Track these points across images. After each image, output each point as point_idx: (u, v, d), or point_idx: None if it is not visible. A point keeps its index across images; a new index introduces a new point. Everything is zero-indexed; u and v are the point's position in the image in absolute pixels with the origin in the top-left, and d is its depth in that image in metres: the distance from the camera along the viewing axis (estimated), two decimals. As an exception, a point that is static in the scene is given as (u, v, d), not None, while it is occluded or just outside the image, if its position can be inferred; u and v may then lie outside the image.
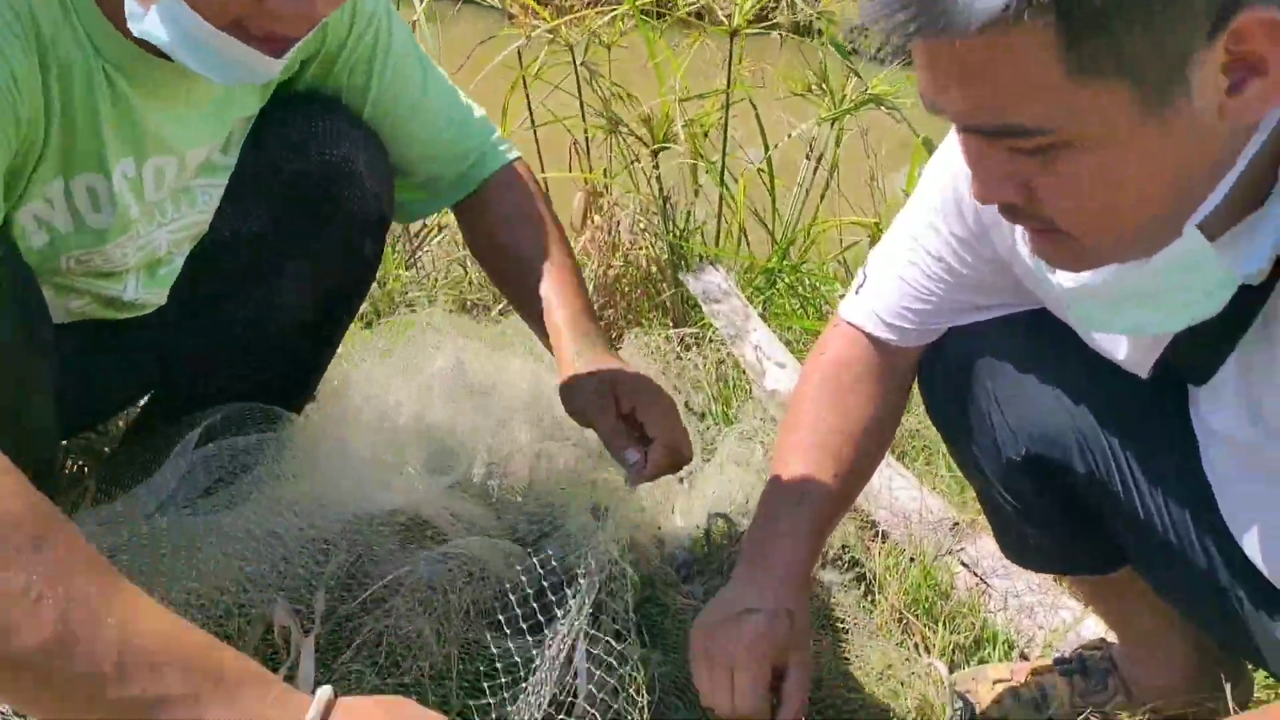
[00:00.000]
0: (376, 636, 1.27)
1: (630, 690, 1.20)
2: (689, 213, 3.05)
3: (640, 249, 2.92)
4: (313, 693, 0.82)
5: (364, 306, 2.54)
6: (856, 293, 1.29)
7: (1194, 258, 0.85)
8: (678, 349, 2.47)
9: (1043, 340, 1.19)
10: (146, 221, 1.25)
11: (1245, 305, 0.95)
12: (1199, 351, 1.04)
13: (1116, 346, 1.10)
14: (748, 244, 3.07)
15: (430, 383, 1.72)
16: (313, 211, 1.42)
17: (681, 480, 1.81)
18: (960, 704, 1.43)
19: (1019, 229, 1.10)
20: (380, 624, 1.27)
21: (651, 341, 2.47)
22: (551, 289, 1.43)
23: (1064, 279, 0.94)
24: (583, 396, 1.37)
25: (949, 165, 1.17)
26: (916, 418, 2.20)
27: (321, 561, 1.33)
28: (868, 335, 1.27)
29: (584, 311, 1.44)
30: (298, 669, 1.21)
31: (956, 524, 1.77)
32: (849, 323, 1.29)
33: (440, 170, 1.48)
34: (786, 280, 2.84)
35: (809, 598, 1.23)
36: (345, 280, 1.56)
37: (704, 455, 1.96)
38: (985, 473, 1.27)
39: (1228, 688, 1.25)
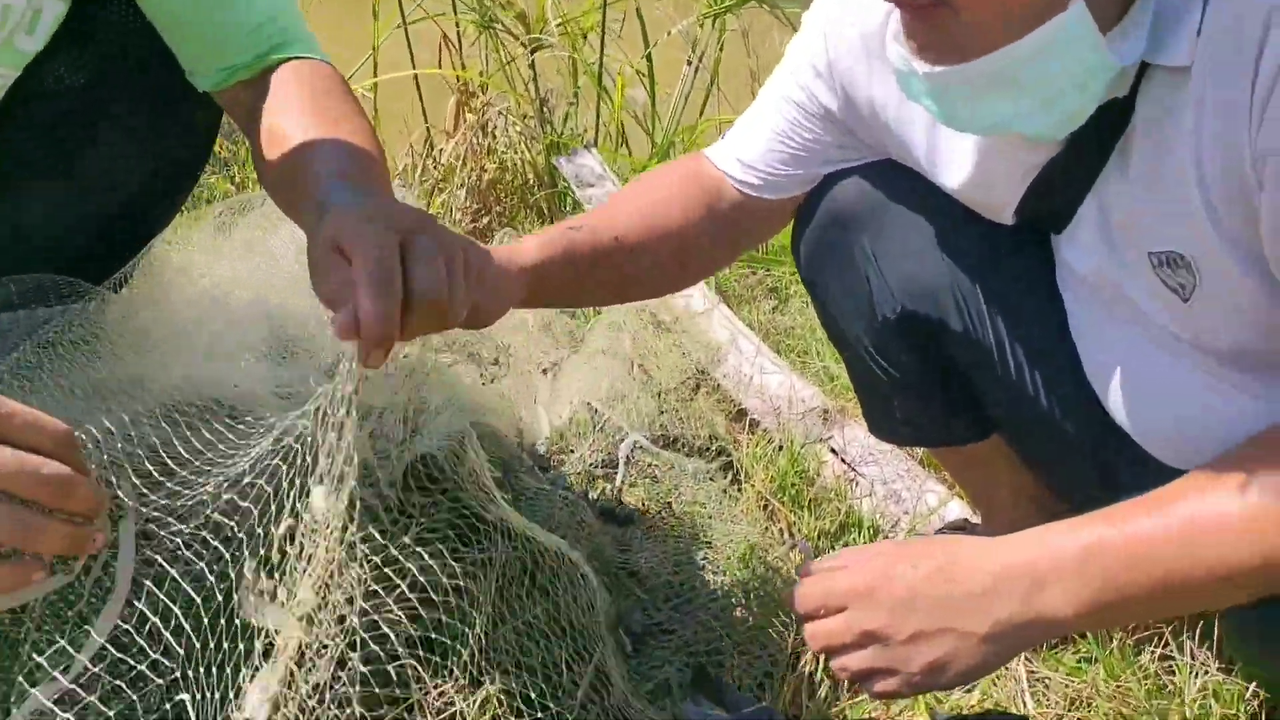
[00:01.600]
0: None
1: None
2: (567, 114, 2.95)
3: (516, 152, 2.81)
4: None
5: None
6: (724, 136, 1.25)
7: (1072, 34, 0.82)
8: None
9: (915, 195, 1.16)
10: None
11: (1099, 145, 0.94)
12: (1057, 196, 1.02)
13: (979, 189, 1.08)
14: (627, 148, 2.99)
15: (272, 263, 1.59)
16: (141, 66, 1.26)
17: (546, 371, 1.74)
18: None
19: (879, 69, 1.06)
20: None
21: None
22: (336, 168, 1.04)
23: (926, 69, 0.89)
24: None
25: (814, 25, 1.16)
26: (790, 316, 2.16)
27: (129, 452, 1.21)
28: (724, 174, 1.22)
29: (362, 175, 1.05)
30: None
31: (827, 412, 1.74)
32: (704, 155, 1.25)
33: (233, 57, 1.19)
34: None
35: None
36: (175, 152, 1.41)
37: (572, 348, 1.89)
38: (858, 337, 1.23)
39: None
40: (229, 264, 1.55)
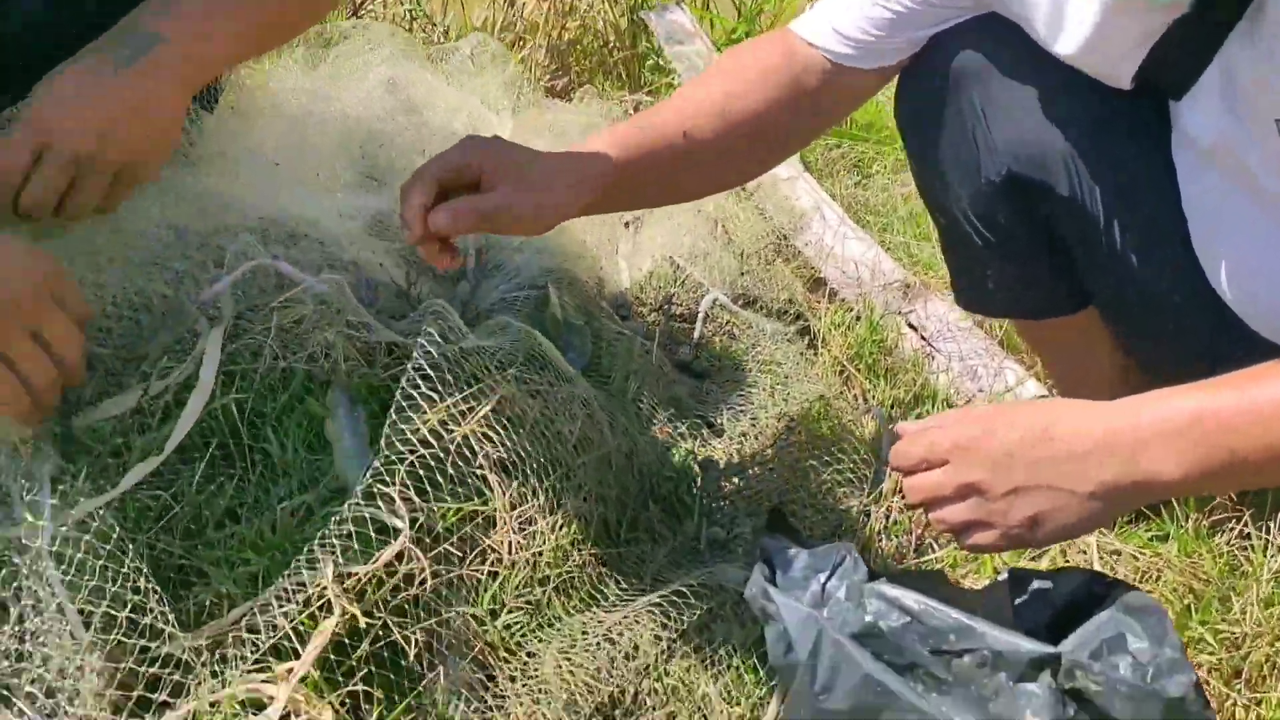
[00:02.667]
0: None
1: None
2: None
3: (598, 10, 2.74)
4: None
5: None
6: (812, 5, 1.21)
7: None
8: (630, 111, 2.35)
9: (1028, 55, 1.11)
10: None
11: (1230, 4, 0.91)
12: (1179, 59, 0.98)
13: (1098, 53, 1.04)
14: (714, 10, 2.90)
15: (362, 97, 1.58)
16: None
17: (628, 225, 1.72)
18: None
19: None
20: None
21: (606, 106, 2.34)
22: None
23: None
24: None
25: None
26: (872, 193, 2.12)
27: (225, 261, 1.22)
28: (816, 47, 1.17)
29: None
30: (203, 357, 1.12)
31: (908, 286, 1.72)
32: (793, 32, 1.19)
33: None
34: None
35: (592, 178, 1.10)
36: None
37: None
38: (959, 198, 1.20)
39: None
40: (317, 87, 1.54)
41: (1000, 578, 1.06)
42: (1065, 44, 1.05)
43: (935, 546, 1.30)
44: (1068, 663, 0.80)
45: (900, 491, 1.31)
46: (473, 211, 1.02)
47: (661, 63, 2.36)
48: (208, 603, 0.98)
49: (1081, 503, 0.87)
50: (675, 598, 1.10)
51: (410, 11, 2.78)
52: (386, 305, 1.31)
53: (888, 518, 1.30)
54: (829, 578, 0.93)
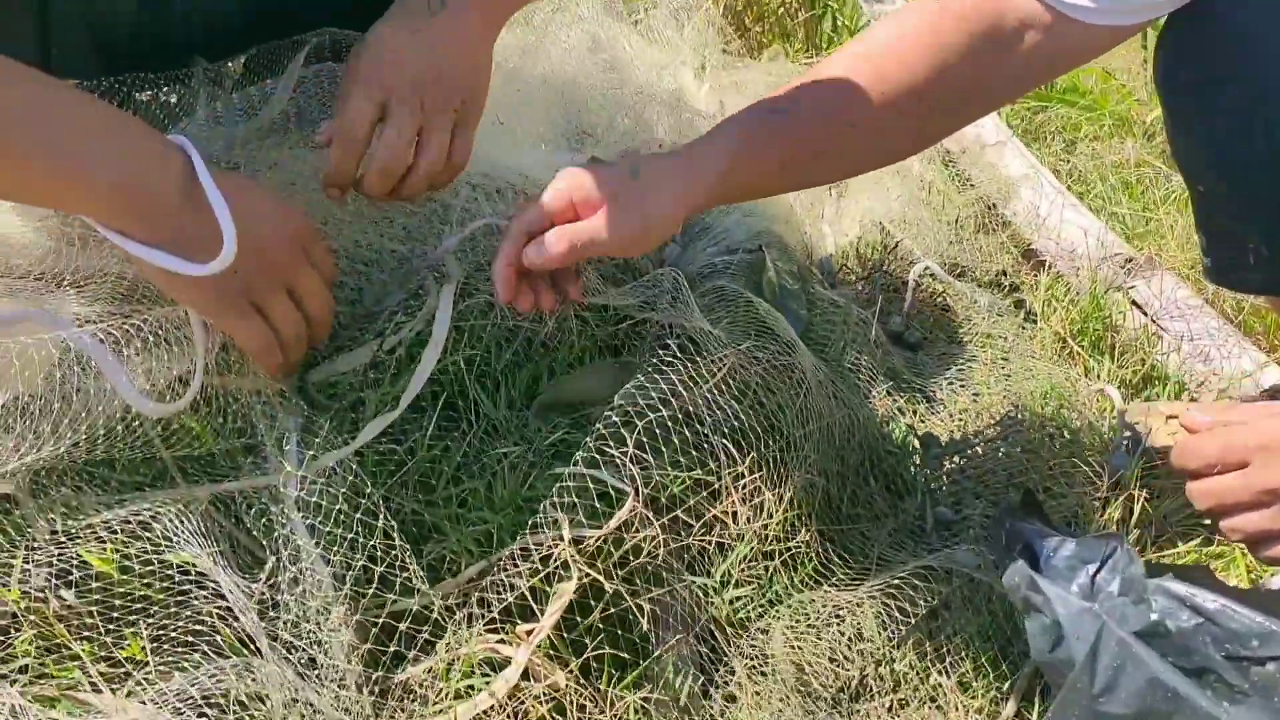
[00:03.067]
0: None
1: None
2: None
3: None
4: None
5: None
6: None
7: None
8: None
9: None
10: None
11: None
12: None
13: None
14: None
15: (568, 55, 1.56)
16: None
17: (831, 190, 1.66)
18: (1129, 433, 1.30)
19: None
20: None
21: (790, 67, 2.27)
22: None
23: None
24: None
25: None
26: (1080, 159, 2.00)
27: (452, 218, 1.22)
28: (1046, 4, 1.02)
29: None
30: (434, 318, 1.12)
31: (1129, 260, 1.61)
32: None
33: None
34: None
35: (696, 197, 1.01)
36: None
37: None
38: (1231, 161, 1.09)
39: None
40: (526, 43, 1.52)
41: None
42: None
43: (1179, 541, 1.21)
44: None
45: (1141, 482, 1.23)
46: (564, 239, 0.95)
47: (842, 21, 2.26)
48: (446, 558, 0.98)
49: None
50: (903, 583, 1.05)
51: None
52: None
53: (1127, 508, 1.21)
54: (1098, 569, 0.87)
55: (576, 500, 0.98)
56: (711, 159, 1.01)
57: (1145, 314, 1.56)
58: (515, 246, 0.97)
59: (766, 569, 1.05)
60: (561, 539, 0.94)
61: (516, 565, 0.95)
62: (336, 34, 1.22)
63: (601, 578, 0.94)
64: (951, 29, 1.03)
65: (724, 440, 1.06)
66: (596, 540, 0.96)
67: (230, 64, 1.27)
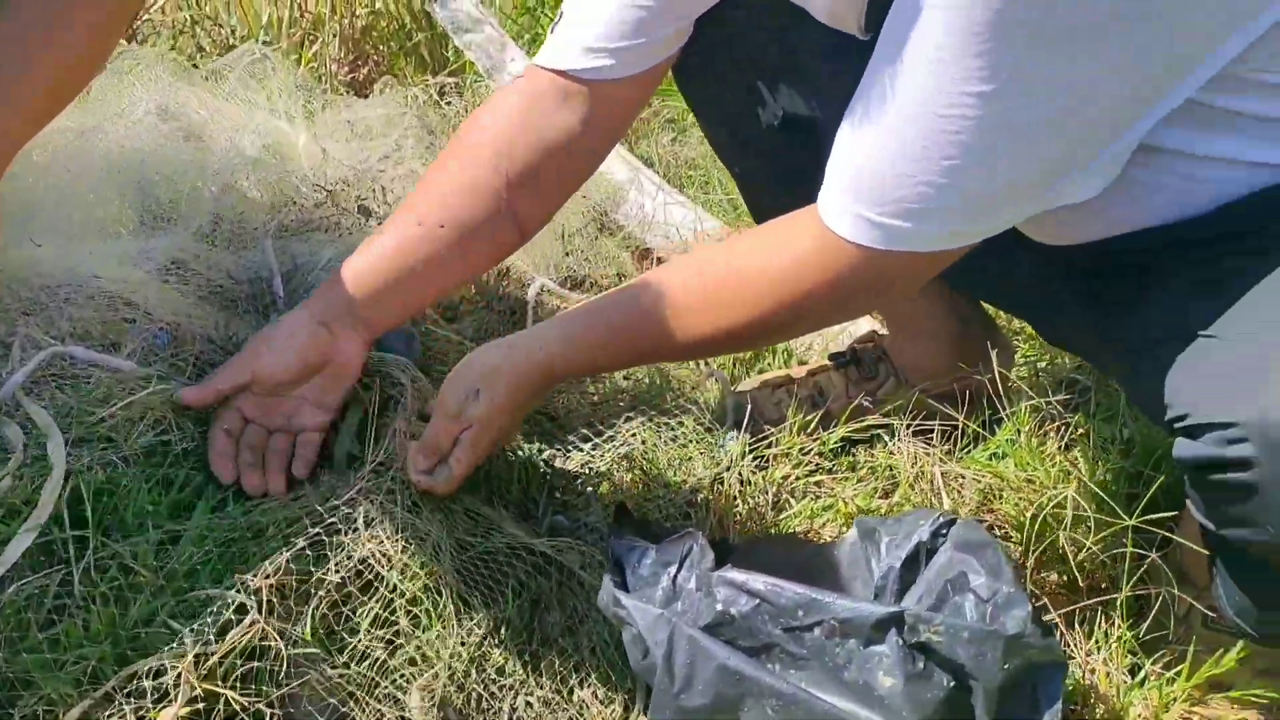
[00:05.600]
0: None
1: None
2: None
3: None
4: None
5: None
6: (552, 32, 1.16)
7: None
8: (434, 96, 2.27)
9: (787, 14, 1.12)
10: None
11: None
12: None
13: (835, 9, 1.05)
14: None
15: (134, 130, 1.48)
16: None
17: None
18: (744, 411, 1.40)
19: None
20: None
21: (408, 94, 2.27)
22: None
23: None
24: None
25: None
26: (690, 148, 2.12)
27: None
28: (568, 75, 1.12)
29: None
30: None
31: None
32: (542, 67, 1.14)
33: None
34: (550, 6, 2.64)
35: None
36: None
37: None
38: (746, 153, 1.22)
39: (994, 354, 1.25)
40: (83, 125, 1.43)
41: (850, 531, 1.08)
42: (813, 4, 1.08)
43: (792, 502, 1.32)
44: (910, 618, 0.82)
45: (747, 454, 1.33)
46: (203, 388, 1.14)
47: (460, 46, 2.29)
48: (39, 713, 0.92)
49: None
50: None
51: (191, 16, 2.63)
52: (194, 350, 1.25)
53: (741, 480, 1.31)
54: (679, 570, 0.93)
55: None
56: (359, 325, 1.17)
57: (752, 290, 1.67)
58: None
59: (400, 623, 1.05)
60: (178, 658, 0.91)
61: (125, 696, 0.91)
62: None
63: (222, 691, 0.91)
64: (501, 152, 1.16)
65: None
66: (214, 653, 0.94)
67: None
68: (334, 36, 2.62)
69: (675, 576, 0.93)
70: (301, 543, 1.03)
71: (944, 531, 0.95)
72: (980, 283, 1.26)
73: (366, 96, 2.34)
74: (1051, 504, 1.09)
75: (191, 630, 0.96)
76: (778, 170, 1.23)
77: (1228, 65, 0.84)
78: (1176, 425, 0.86)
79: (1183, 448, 0.86)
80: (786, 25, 1.14)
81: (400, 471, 1.12)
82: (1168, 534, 1.04)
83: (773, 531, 1.26)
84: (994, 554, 0.89)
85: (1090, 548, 1.07)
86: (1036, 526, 1.10)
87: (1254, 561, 0.92)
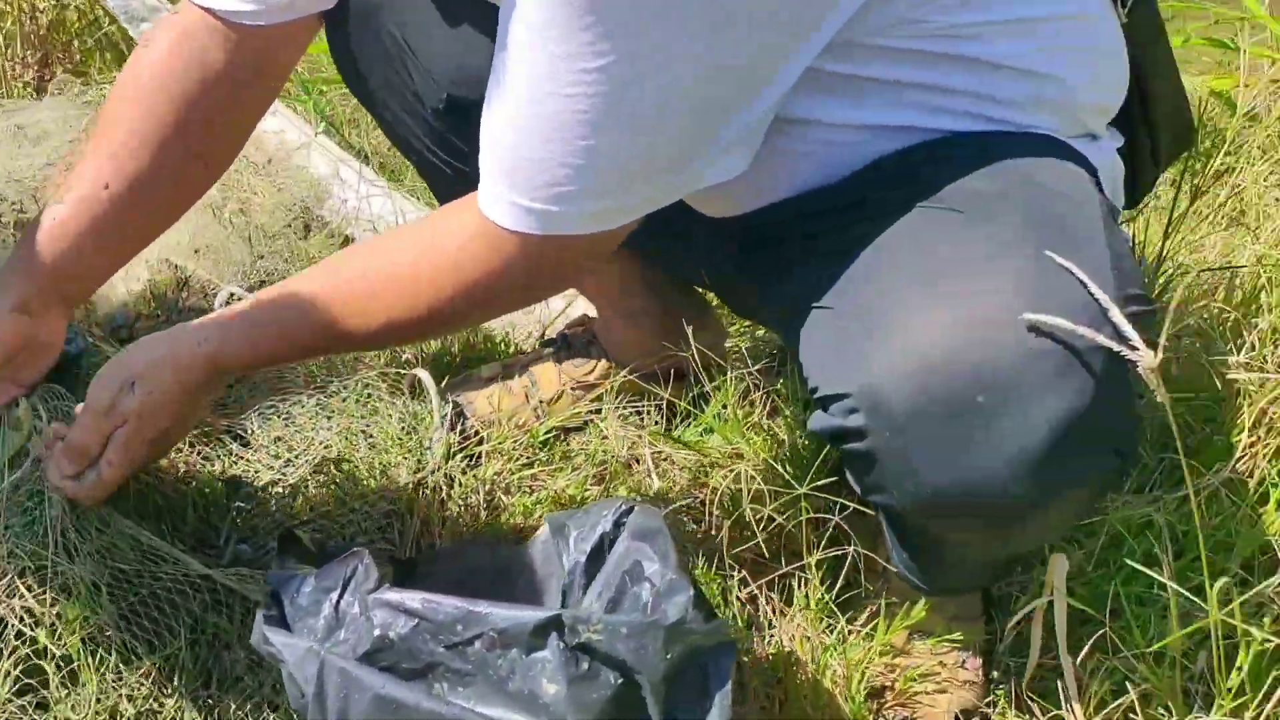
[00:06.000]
0: None
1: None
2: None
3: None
4: None
5: None
6: None
7: None
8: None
9: None
10: None
11: None
12: None
13: None
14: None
15: None
16: None
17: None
18: (449, 408, 1.34)
19: None
20: None
21: (94, 93, 2.08)
22: None
23: None
24: None
25: None
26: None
27: None
28: (216, 14, 1.05)
29: None
30: None
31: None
32: (191, 3, 1.05)
33: None
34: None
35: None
36: None
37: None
38: (415, 135, 1.16)
39: (690, 330, 1.24)
40: None
41: (542, 528, 1.04)
42: None
43: (505, 499, 1.27)
44: (569, 620, 0.78)
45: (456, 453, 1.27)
46: None
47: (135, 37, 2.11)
48: None
49: None
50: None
51: None
52: None
53: (450, 482, 1.25)
54: (340, 595, 0.86)
55: None
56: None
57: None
58: None
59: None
60: None
61: None
62: None
63: None
64: (162, 90, 1.06)
65: None
66: None
67: None
68: (14, 38, 2.38)
69: (338, 603, 0.86)
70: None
71: (624, 521, 0.92)
72: (668, 260, 1.25)
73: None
74: (728, 479, 1.09)
75: None
76: (448, 153, 1.17)
77: (841, 33, 0.84)
78: (813, 396, 0.86)
79: (815, 420, 0.86)
80: None
81: (48, 487, 1.00)
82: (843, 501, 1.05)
83: (480, 534, 1.21)
84: (664, 541, 0.87)
85: (772, 516, 1.07)
86: (718, 500, 1.10)
87: (899, 522, 0.94)
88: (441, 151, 1.17)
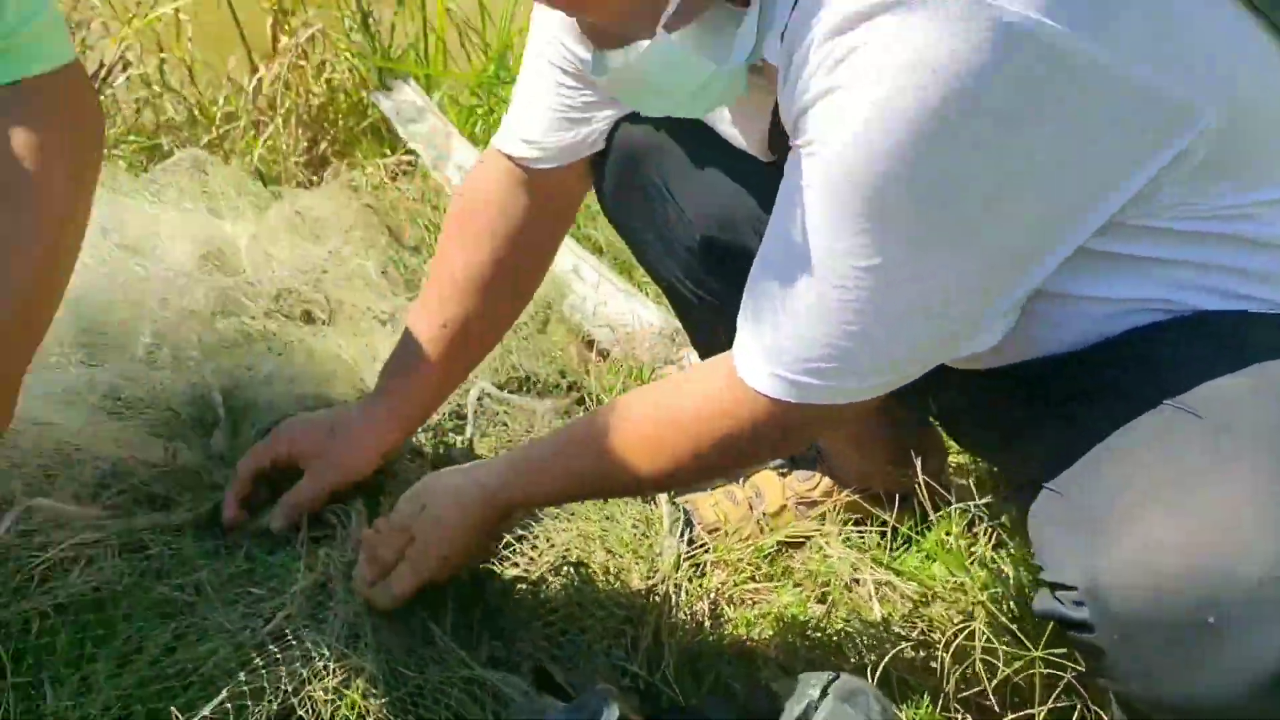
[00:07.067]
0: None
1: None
2: (393, 25, 2.80)
3: (341, 72, 2.67)
4: None
5: None
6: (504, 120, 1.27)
7: (670, 56, 0.88)
8: (384, 177, 2.30)
9: (695, 132, 1.17)
10: None
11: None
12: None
13: (737, 134, 1.11)
14: (467, 58, 2.85)
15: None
16: None
17: (385, 323, 1.69)
18: (679, 515, 1.42)
19: None
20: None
21: (357, 177, 2.30)
22: None
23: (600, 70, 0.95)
24: None
25: None
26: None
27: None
28: (515, 160, 1.22)
29: None
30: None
31: (676, 332, 1.74)
32: (497, 150, 1.24)
33: None
34: (505, 94, 2.66)
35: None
36: None
37: (409, 294, 1.85)
38: (670, 269, 1.26)
39: (918, 462, 1.27)
40: None
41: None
42: (718, 122, 1.13)
43: (729, 610, 1.33)
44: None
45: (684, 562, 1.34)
46: (293, 508, 1.25)
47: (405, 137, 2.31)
48: None
49: None
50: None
51: (142, 100, 2.64)
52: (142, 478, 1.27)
53: (677, 591, 1.32)
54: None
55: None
56: (388, 407, 1.30)
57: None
58: (242, 490, 1.27)
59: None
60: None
61: None
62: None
63: None
64: (492, 223, 1.28)
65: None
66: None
67: None
68: (290, 115, 2.64)
69: (580, 740, 0.94)
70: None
71: (829, 689, 0.97)
72: (902, 389, 1.28)
73: (321, 178, 2.37)
74: (961, 636, 1.10)
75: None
76: (696, 284, 1.25)
77: (1112, 217, 0.86)
78: (1040, 577, 0.88)
79: (1041, 601, 0.87)
80: (694, 140, 1.18)
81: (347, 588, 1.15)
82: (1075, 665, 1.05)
83: (709, 656, 1.26)
84: (866, 699, 0.92)
85: (1004, 670, 1.08)
86: (952, 651, 1.12)
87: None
88: (690, 283, 1.26)
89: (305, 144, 2.60)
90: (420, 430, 1.49)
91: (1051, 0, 0.73)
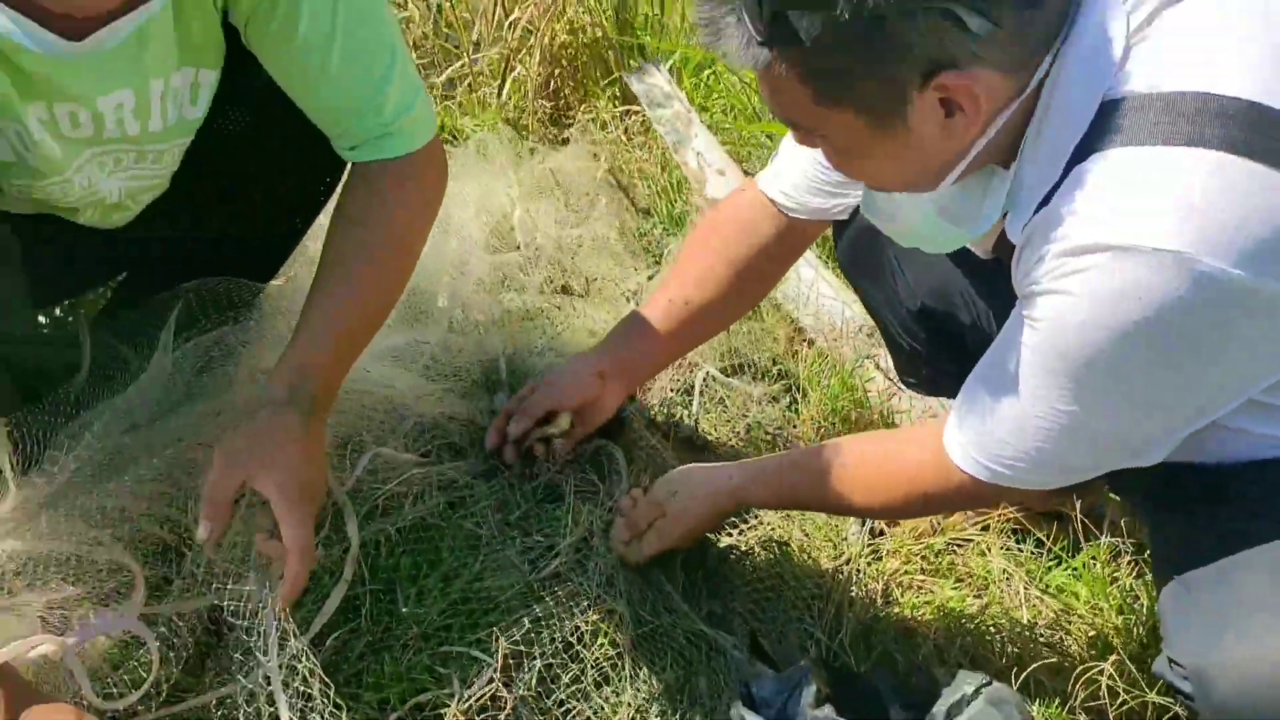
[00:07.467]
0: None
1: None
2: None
3: (584, 16, 2.89)
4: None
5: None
6: (773, 159, 1.52)
7: (927, 223, 1.17)
8: (624, 136, 2.55)
9: None
10: (92, 167, 1.31)
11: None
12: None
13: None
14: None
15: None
16: (285, 115, 1.39)
17: (628, 299, 1.99)
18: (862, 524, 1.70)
19: None
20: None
21: (598, 123, 2.55)
22: (316, 312, 1.33)
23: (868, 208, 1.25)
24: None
25: None
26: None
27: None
28: (771, 201, 1.49)
29: (317, 367, 1.31)
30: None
31: (874, 330, 1.98)
32: (760, 189, 1.51)
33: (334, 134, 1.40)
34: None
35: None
36: (311, 184, 1.59)
37: (650, 260, 2.13)
38: (889, 319, 1.53)
39: (1078, 502, 1.53)
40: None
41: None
42: None
43: (898, 594, 1.63)
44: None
45: (865, 549, 1.64)
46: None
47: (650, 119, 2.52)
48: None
49: None
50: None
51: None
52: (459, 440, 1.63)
53: (858, 573, 1.62)
54: (789, 698, 1.26)
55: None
56: (629, 355, 1.58)
57: (888, 378, 1.94)
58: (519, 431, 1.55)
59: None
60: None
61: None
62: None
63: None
64: (742, 237, 1.55)
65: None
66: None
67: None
68: (534, 49, 2.88)
69: (786, 703, 1.26)
70: (526, 622, 1.40)
71: (982, 690, 1.25)
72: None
73: (567, 128, 2.63)
74: (1086, 675, 1.36)
75: (456, 678, 1.34)
76: (910, 337, 1.51)
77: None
78: (1161, 644, 1.14)
79: (1158, 665, 1.14)
80: None
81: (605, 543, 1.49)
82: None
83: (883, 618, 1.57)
84: (1012, 710, 1.20)
85: (1125, 700, 1.34)
86: (1083, 680, 1.38)
87: None
88: (906, 335, 1.52)
89: (544, 79, 2.83)
90: (657, 404, 1.81)
91: (1240, 257, 0.94)
